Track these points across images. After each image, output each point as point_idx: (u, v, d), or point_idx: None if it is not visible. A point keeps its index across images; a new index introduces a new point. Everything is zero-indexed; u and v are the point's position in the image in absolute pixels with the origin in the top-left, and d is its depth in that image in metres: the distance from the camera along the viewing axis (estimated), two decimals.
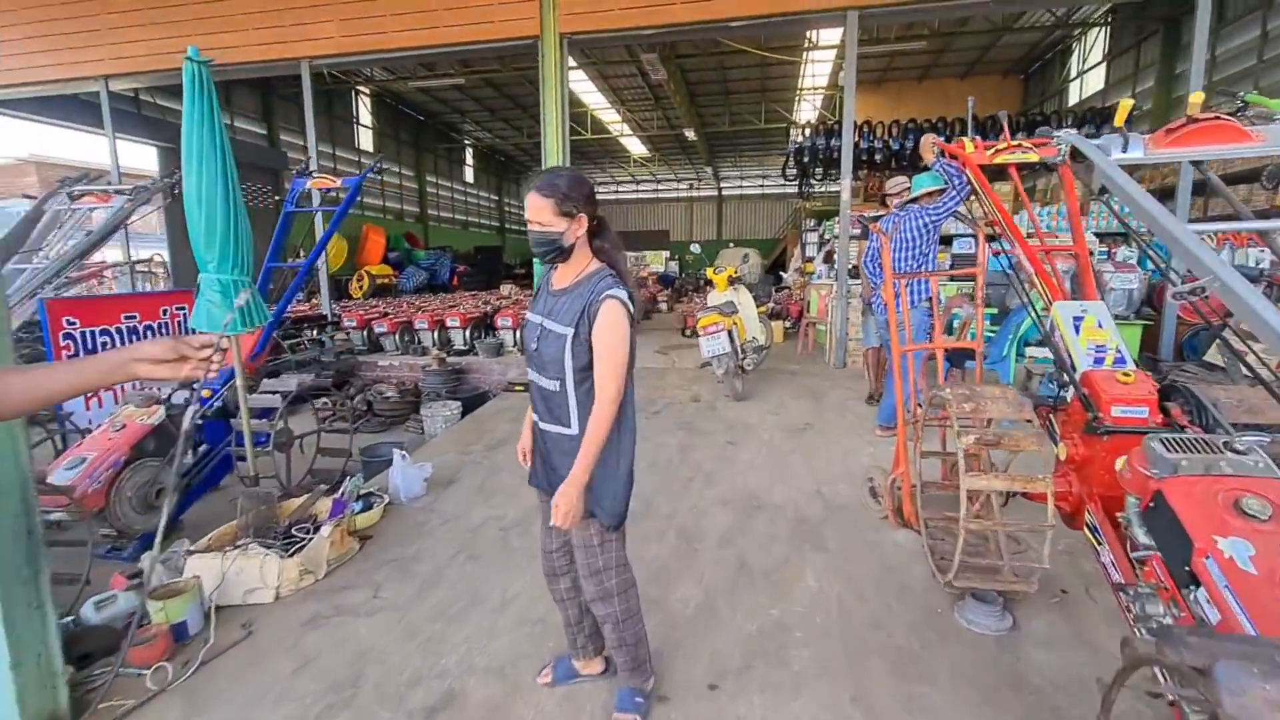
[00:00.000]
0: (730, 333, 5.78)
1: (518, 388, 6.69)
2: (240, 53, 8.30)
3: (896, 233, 4.43)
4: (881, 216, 4.65)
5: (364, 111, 21.04)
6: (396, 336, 9.06)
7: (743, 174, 34.77)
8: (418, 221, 24.59)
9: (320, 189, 5.52)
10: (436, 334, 9.02)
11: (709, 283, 6.89)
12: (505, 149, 29.59)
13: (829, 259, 11.37)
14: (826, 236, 12.61)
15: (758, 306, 7.24)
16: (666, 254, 38.20)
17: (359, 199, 5.25)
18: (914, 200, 4.41)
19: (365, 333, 9.22)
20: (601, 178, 35.78)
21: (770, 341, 7.42)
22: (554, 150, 7.61)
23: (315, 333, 8.34)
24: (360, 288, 17.57)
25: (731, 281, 6.65)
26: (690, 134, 21.51)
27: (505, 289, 19.39)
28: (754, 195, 36.50)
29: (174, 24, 8.42)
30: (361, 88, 20.56)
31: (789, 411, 5.68)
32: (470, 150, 28.38)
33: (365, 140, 21.26)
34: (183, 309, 5.56)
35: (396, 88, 20.72)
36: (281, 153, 16.87)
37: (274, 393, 4.41)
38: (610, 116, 23.39)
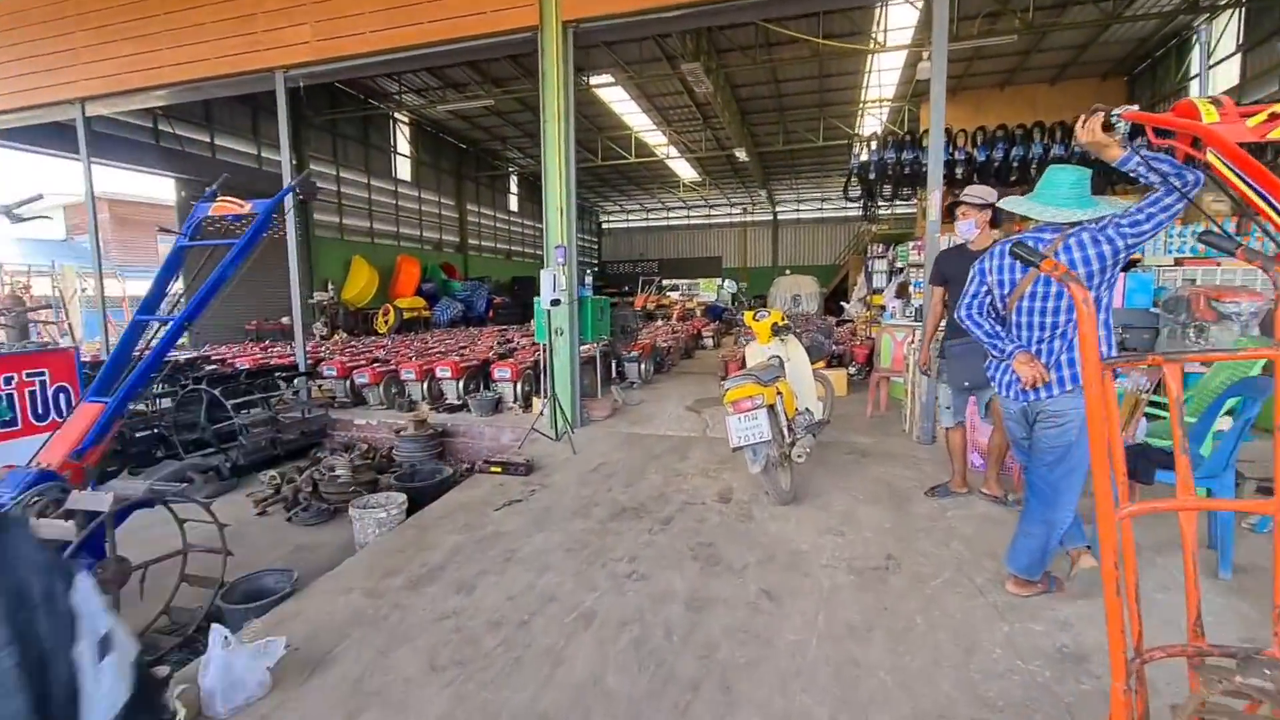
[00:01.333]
0: (773, 408, 4.05)
1: (495, 469, 5.12)
2: (211, 65, 7.26)
3: (1011, 273, 2.68)
4: (1010, 240, 2.74)
5: (402, 140, 20.50)
6: (380, 388, 7.70)
7: (799, 196, 32.86)
8: (458, 251, 23.87)
9: (224, 215, 4.19)
10: (425, 385, 7.61)
11: (747, 330, 5.21)
12: None
13: (902, 292, 9.43)
14: (899, 263, 10.65)
15: (814, 359, 5.46)
16: (719, 281, 36.56)
17: (269, 230, 3.79)
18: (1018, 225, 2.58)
19: (348, 383, 7.92)
20: (650, 203, 34.61)
21: (830, 407, 5.61)
22: (556, 168, 6.14)
23: (282, 385, 7.06)
24: (386, 322, 16.64)
25: (778, 330, 4.91)
26: (742, 154, 19.94)
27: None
28: (811, 219, 34.45)
29: (146, 37, 7.49)
30: (399, 115, 20.04)
31: (859, 529, 3.86)
32: (515, 178, 27.71)
33: (403, 169, 20.69)
34: (42, 375, 4.27)
35: (433, 114, 20.11)
36: (311, 181, 16.23)
37: (70, 515, 2.96)
38: (656, 139, 22.13)
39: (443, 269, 21.80)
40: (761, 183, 27.25)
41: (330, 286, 16.78)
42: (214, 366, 7.57)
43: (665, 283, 32.19)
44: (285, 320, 14.97)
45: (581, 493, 4.70)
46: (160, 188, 14.07)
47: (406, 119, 20.38)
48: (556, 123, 6.24)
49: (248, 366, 8.25)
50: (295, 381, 7.35)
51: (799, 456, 4.07)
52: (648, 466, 5.26)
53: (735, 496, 4.47)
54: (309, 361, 8.56)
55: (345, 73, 7.35)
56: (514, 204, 27.95)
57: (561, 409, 6.07)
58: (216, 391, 6.12)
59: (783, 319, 5.01)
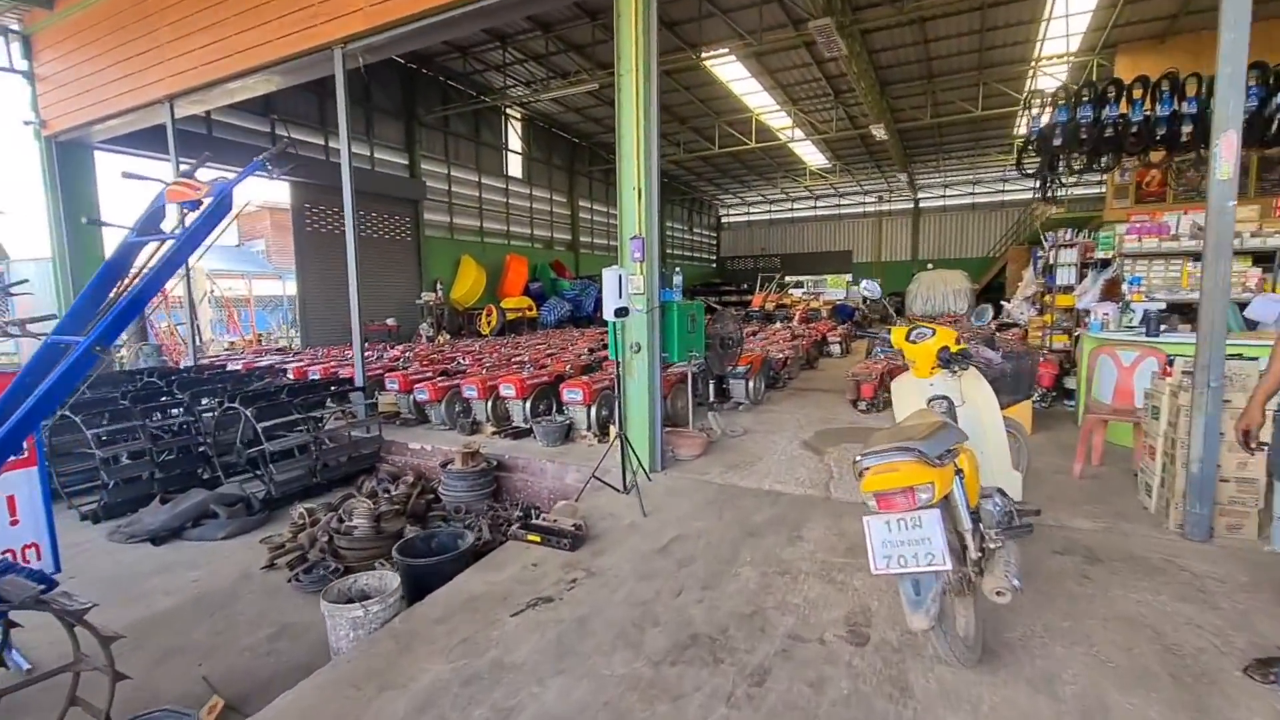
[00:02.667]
0: (948, 502, 2.34)
1: (532, 538, 3.79)
2: (273, 48, 6.62)
3: None
4: None
5: (513, 136, 20.12)
6: (443, 406, 6.71)
7: (946, 180, 28.98)
8: (568, 249, 23.28)
9: (180, 201, 3.18)
10: (490, 405, 6.51)
11: (888, 345, 3.43)
12: (666, 169, 27.51)
13: (1111, 291, 6.99)
14: (1101, 253, 8.07)
15: (1003, 401, 3.55)
16: (849, 278, 33.39)
17: (227, 218, 2.48)
18: None
19: (410, 399, 7.03)
20: (772, 194, 32.28)
21: (1025, 468, 3.69)
22: (634, 136, 4.71)
23: (333, 404, 6.25)
24: (489, 323, 16.17)
25: (949, 362, 3.10)
26: (880, 132, 17.34)
27: None
28: (959, 206, 30.32)
29: (218, 25, 7.02)
30: (510, 111, 19.64)
31: None
32: None
33: (515, 166, 20.33)
34: None
35: (543, 108, 19.50)
36: (421, 182, 16.16)
37: None
38: (779, 121, 20.03)
39: (553, 267, 21.25)
40: (902, 165, 24.07)
41: (439, 287, 16.62)
42: (266, 380, 6.93)
43: (789, 280, 29.84)
44: (391, 321, 14.90)
45: (638, 593, 3.22)
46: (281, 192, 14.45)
47: (518, 115, 19.97)
48: (634, 77, 4.80)
49: (314, 377, 7.65)
50: (352, 397, 6.53)
51: (998, 594, 2.31)
52: (740, 549, 3.67)
53: (876, 631, 2.78)
54: (371, 373, 7.83)
55: (404, 42, 6.39)
56: None
57: (633, 451, 4.63)
58: (250, 411, 5.34)
59: (957, 342, 3.18)
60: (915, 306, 23.66)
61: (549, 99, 17.15)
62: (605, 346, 11.14)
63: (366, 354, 10.92)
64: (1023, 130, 20.57)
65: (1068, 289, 9.43)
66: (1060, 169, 10.55)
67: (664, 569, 3.47)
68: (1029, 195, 27.71)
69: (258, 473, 5.61)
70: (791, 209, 34.29)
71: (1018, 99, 16.54)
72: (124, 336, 10.45)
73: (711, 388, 7.09)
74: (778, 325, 15.02)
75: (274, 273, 22.09)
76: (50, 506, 3.54)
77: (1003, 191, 28.85)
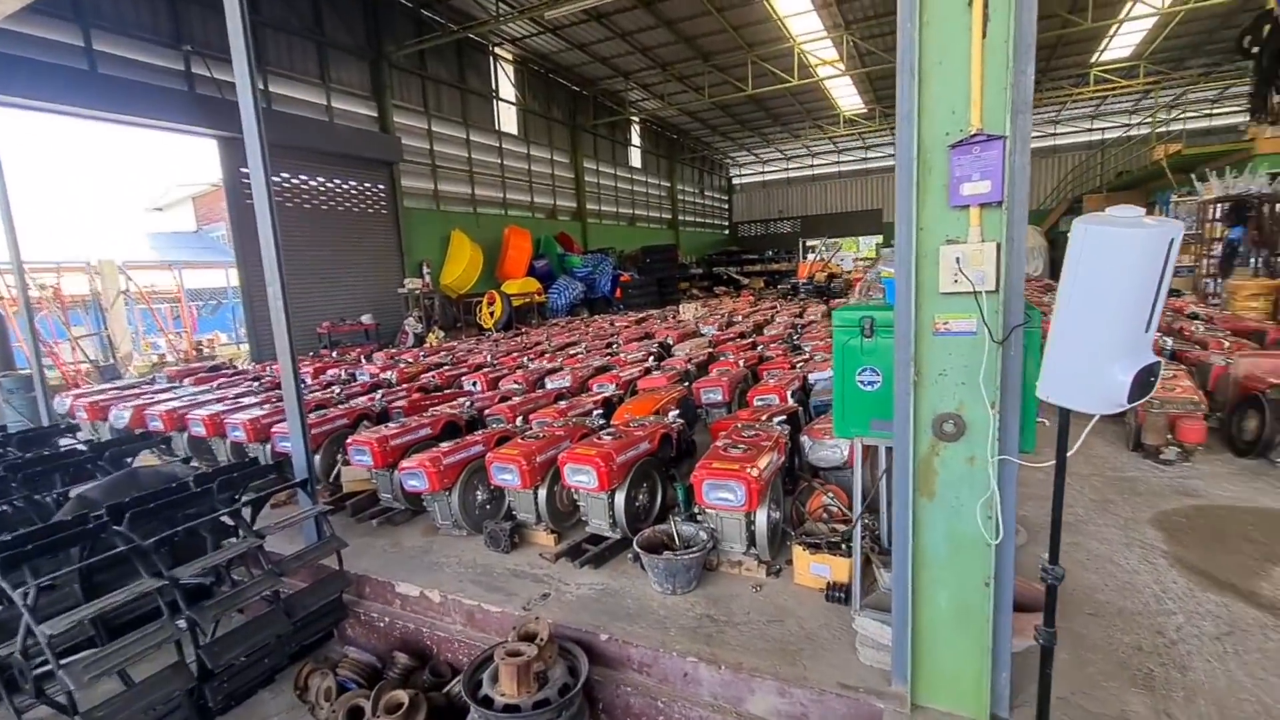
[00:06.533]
0: None
1: None
2: None
3: None
4: None
5: (505, 83, 16.66)
6: (454, 497, 3.69)
7: None
8: (574, 219, 19.98)
9: None
10: (545, 494, 3.50)
11: None
12: (679, 122, 24.07)
13: None
14: None
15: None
16: (878, 240, 30.30)
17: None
18: None
19: (394, 479, 3.98)
20: (792, 148, 28.89)
21: None
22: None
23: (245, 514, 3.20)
24: (492, 314, 12.99)
25: None
26: None
27: (686, 308, 13.76)
28: None
29: None
30: (501, 51, 16.15)
31: None
32: (636, 127, 23.28)
33: (508, 120, 16.89)
34: None
35: (541, 46, 16.02)
36: (395, 139, 12.80)
37: None
38: (823, 53, 16.71)
39: (559, 240, 18.01)
40: None
41: (426, 271, 13.42)
42: (164, 459, 3.83)
43: (811, 243, 26.65)
44: (367, 319, 11.72)
45: None
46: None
47: (510, 55, 16.47)
48: None
49: (236, 436, 4.62)
50: (300, 497, 3.50)
51: None
52: None
53: None
54: (321, 432, 4.82)
55: None
56: (636, 158, 23.60)
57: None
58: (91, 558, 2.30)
59: None
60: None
61: (555, 16, 13.70)
62: (662, 346, 8.10)
63: (333, 372, 7.64)
64: (1113, 54, 17.46)
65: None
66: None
67: None
68: (1086, 139, 24.62)
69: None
70: (812, 165, 30.96)
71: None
72: None
73: None
74: (852, 302, 12.00)
75: (227, 261, 18.69)
76: None
77: (1055, 135, 25.70)
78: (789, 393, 4.63)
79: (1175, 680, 2.25)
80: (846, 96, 20.86)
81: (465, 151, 15.31)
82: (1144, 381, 1.48)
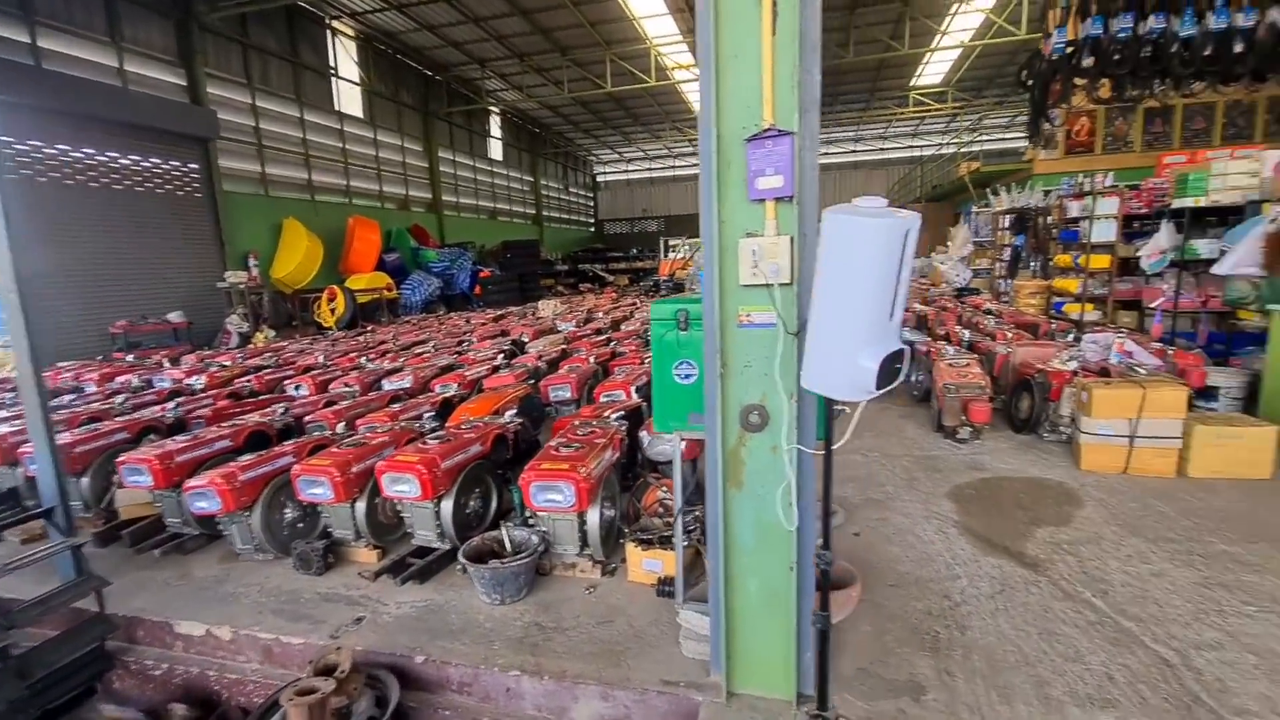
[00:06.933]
0: None
1: None
2: None
3: None
4: None
5: (346, 60, 15.36)
6: (257, 515, 3.24)
7: (830, 136, 28.00)
8: (429, 211, 18.94)
9: None
10: (364, 506, 3.18)
11: None
12: (540, 115, 23.66)
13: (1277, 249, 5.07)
14: (1192, 198, 6.24)
15: None
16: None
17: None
18: None
19: (179, 503, 3.43)
20: (654, 149, 29.56)
21: None
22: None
23: None
24: (333, 311, 11.94)
25: None
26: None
27: (546, 305, 13.51)
28: (840, 164, 29.68)
29: None
30: (341, 26, 14.86)
31: None
32: (496, 118, 22.55)
33: (350, 102, 15.60)
34: None
35: (385, 23, 14.96)
36: (210, 112, 11.29)
37: None
38: (678, 57, 17.21)
39: (412, 233, 16.96)
40: None
41: (254, 262, 12.02)
42: None
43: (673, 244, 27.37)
44: (176, 316, 10.25)
45: None
46: None
47: (351, 31, 15.18)
48: None
49: None
50: (50, 529, 2.86)
51: None
52: None
53: None
54: (80, 451, 4.13)
55: None
56: (496, 150, 22.85)
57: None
58: None
59: None
60: None
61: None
62: (515, 344, 7.85)
63: (126, 378, 6.39)
64: (926, 79, 19.69)
65: (1102, 247, 7.77)
66: (1052, 106, 8.76)
67: None
68: (910, 154, 27.61)
69: None
70: (674, 166, 31.89)
71: (936, 30, 15.13)
72: None
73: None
74: None
75: None
76: None
77: (884, 150, 28.53)
78: (633, 388, 4.63)
79: (956, 640, 2.48)
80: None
81: (300, 132, 13.91)
82: (890, 369, 1.52)
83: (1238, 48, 6.73)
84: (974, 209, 14.51)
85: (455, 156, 20.20)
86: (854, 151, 29.08)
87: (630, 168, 32.71)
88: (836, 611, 2.47)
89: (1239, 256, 5.13)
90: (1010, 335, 6.36)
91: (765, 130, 1.82)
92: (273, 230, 12.92)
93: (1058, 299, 8.58)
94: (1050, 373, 4.61)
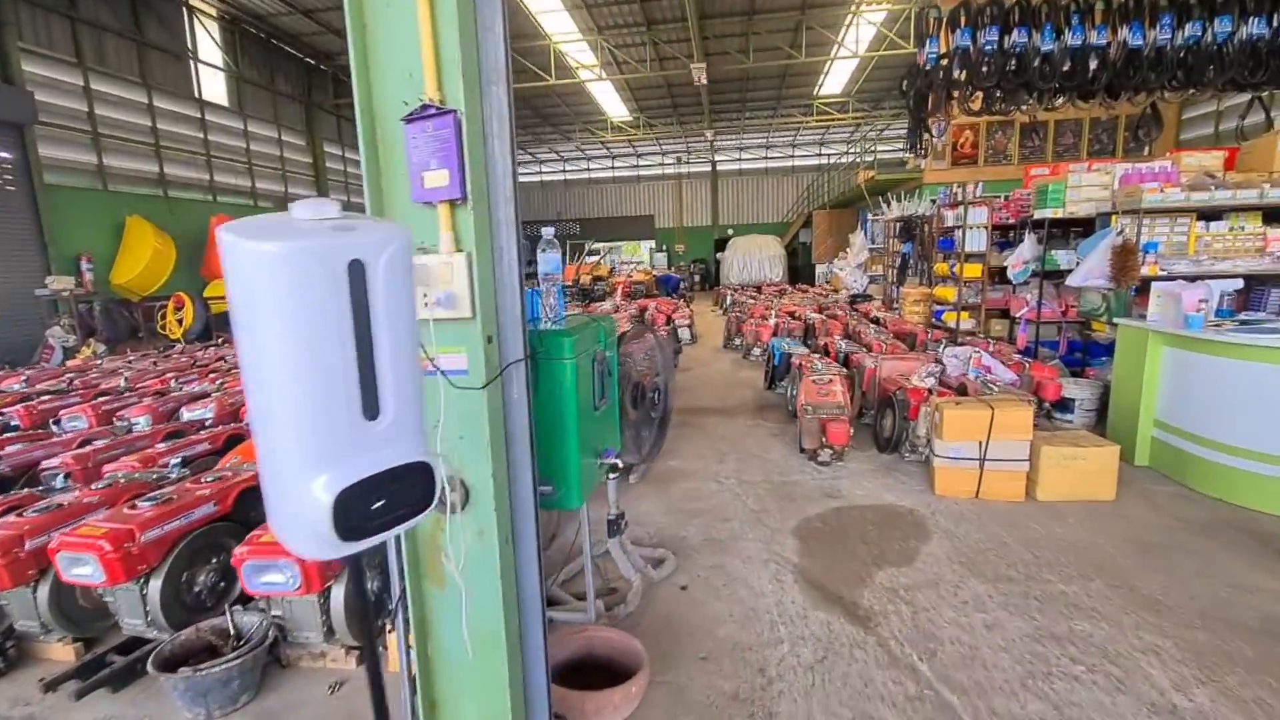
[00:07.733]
0: None
1: None
2: None
3: None
4: None
5: (208, 43, 13.89)
6: None
7: (742, 143, 28.31)
8: None
9: None
10: (46, 592, 2.44)
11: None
12: None
13: (1127, 263, 5.09)
14: (1051, 209, 6.30)
15: None
16: (651, 245, 31.66)
17: None
18: None
19: None
20: (568, 151, 28.96)
21: None
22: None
23: None
24: (180, 322, 10.65)
25: None
26: (700, 75, 14.95)
27: None
28: (754, 170, 30.10)
29: None
30: (199, 4, 13.41)
31: None
32: None
33: (213, 88, 14.12)
34: None
35: (255, 5, 13.64)
36: (26, 94, 9.79)
37: None
38: (583, 58, 16.72)
39: None
40: (707, 121, 22.39)
41: (88, 267, 10.55)
42: None
43: (592, 247, 26.88)
44: None
45: None
46: None
47: (212, 10, 13.72)
48: None
49: None
50: None
51: None
52: None
53: None
54: None
55: None
56: None
57: None
58: None
59: None
60: (731, 275, 22.41)
61: None
62: None
63: None
64: (828, 89, 20.05)
65: (975, 256, 7.85)
66: (931, 118, 8.85)
67: None
68: (818, 161, 28.27)
69: None
70: (589, 169, 31.37)
71: (834, 40, 15.35)
72: None
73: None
74: (606, 305, 12.01)
75: None
76: None
77: (793, 156, 29.11)
78: None
79: None
80: (613, 102, 21.24)
81: (149, 120, 12.40)
82: (367, 510, 0.94)
83: (1093, 64, 6.91)
84: (870, 216, 14.80)
85: (345, 152, 18.86)
86: (766, 159, 29.51)
87: (544, 169, 31.92)
88: (613, 714, 2.01)
89: (1089, 268, 5.14)
90: (886, 347, 6.22)
91: (423, 108, 1.32)
92: (114, 229, 11.42)
93: (938, 307, 8.66)
94: (909, 390, 4.40)
